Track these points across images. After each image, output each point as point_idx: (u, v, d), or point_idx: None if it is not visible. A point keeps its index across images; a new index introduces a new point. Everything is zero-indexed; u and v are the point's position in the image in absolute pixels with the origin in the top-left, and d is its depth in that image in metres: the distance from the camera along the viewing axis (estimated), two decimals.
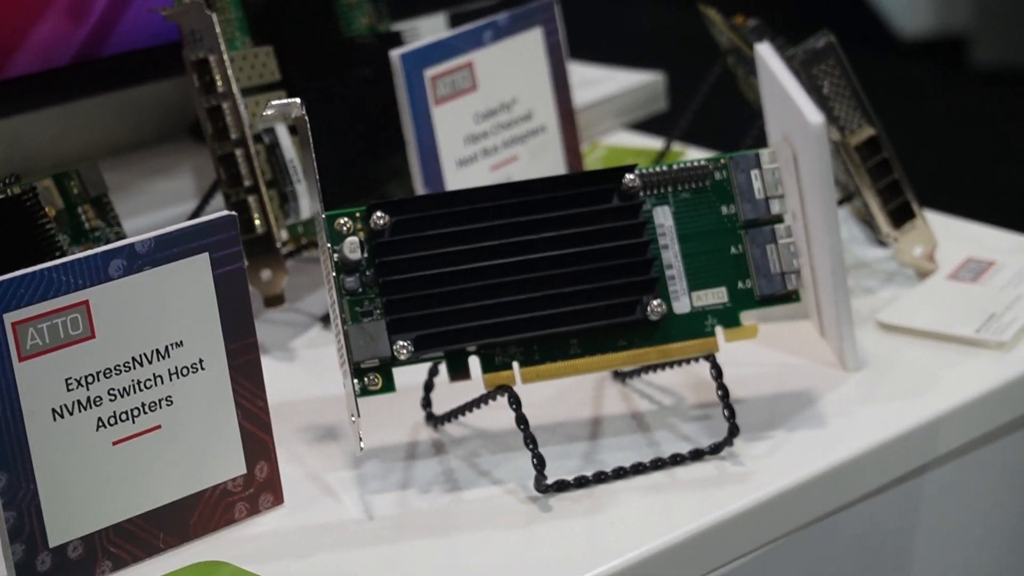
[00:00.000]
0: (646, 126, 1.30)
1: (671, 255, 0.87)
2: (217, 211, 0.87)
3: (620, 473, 0.86)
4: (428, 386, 0.93)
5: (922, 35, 4.22)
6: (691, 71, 1.17)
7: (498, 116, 1.05)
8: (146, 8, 1.11)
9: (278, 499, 0.87)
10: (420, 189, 1.02)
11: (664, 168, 0.88)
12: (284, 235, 1.02)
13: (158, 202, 1.17)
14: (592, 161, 1.18)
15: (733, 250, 0.88)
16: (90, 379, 0.80)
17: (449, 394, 0.92)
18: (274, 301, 1.02)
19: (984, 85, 3.96)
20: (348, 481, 0.89)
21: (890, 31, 4.29)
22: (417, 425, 0.93)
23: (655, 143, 1.24)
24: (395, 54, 1.00)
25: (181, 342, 0.83)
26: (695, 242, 0.88)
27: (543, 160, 1.08)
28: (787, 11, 0.88)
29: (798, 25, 0.97)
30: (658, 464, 0.87)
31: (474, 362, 0.87)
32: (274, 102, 0.92)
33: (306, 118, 0.89)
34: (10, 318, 0.77)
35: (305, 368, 1.01)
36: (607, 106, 1.28)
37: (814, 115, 0.88)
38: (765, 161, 0.87)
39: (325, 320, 1.04)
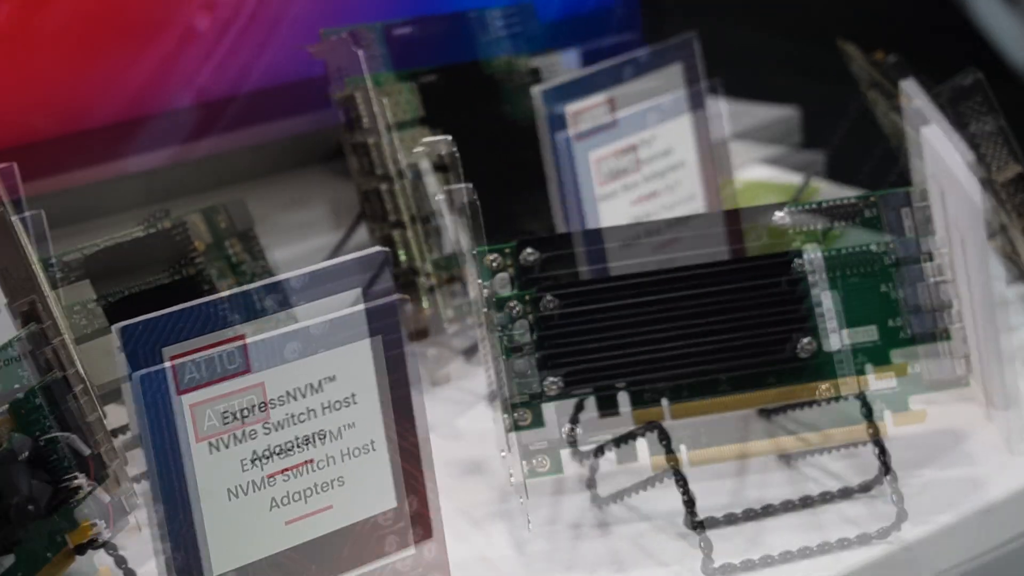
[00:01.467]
0: (781, 161, 1.30)
1: (824, 299, 0.89)
2: (363, 247, 0.89)
3: (766, 513, 0.88)
4: (574, 421, 0.91)
5: None
6: (824, 106, 1.16)
7: (638, 152, 1.05)
8: (290, 45, 1.12)
9: (427, 533, 0.87)
10: (561, 225, 1.02)
11: (814, 205, 0.89)
12: (430, 270, 1.03)
13: (299, 233, 1.18)
14: (727, 196, 1.18)
15: (892, 296, 0.89)
16: (246, 413, 0.81)
17: (595, 431, 0.92)
18: (418, 335, 1.03)
19: None
20: (496, 513, 0.90)
21: (1005, 54, 4.29)
22: (563, 461, 0.91)
23: (791, 178, 1.24)
24: (536, 90, 1.00)
25: (334, 376, 0.84)
26: (852, 293, 0.89)
27: (682, 196, 1.08)
28: (916, 48, 0.87)
29: (921, 59, 0.97)
30: (810, 503, 0.88)
31: (623, 399, 0.88)
32: (425, 139, 0.94)
33: (457, 155, 0.90)
34: (170, 352, 0.78)
35: (449, 402, 1.01)
36: (743, 140, 1.27)
37: (961, 163, 0.88)
38: (919, 202, 0.88)
39: (467, 353, 1.04)
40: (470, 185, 0.91)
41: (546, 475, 0.87)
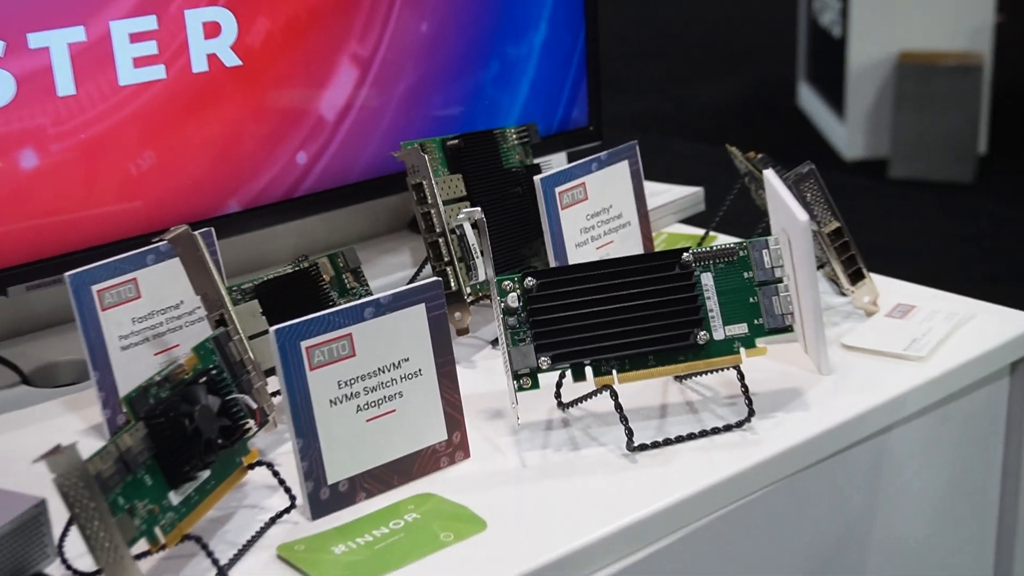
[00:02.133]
0: (692, 220, 1.31)
1: (711, 304, 0.88)
2: (427, 278, 0.90)
3: (678, 440, 0.87)
4: (559, 385, 0.91)
5: (859, 155, 4.17)
6: (720, 186, 1.17)
7: (600, 216, 1.05)
8: (385, 152, 1.12)
9: (466, 454, 0.88)
10: (552, 262, 1.02)
11: (707, 249, 0.89)
12: (468, 291, 1.03)
13: (389, 270, 1.19)
14: (658, 243, 1.18)
15: (751, 299, 0.88)
16: (362, 376, 0.82)
17: (571, 391, 0.93)
18: (462, 332, 1.04)
19: (901, 190, 3.91)
20: (509, 443, 0.90)
21: (836, 152, 4.25)
22: (551, 409, 0.93)
23: (698, 231, 1.24)
24: (537, 179, 1.00)
25: (408, 358, 0.85)
26: (728, 297, 0.89)
27: (628, 244, 1.07)
28: (770, 145, 0.88)
29: (779, 154, 0.98)
30: (708, 433, 0.88)
31: (588, 370, 0.88)
32: (464, 210, 0.95)
33: (483, 219, 0.91)
34: (305, 344, 0.79)
35: (482, 373, 1.01)
36: (667, 208, 1.27)
37: (802, 216, 0.89)
38: (775, 245, 0.88)
39: (494, 343, 1.04)
40: (480, 215, 0.92)
41: (529, 390, 0.87)
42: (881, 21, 4.14)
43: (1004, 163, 4.16)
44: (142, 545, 0.71)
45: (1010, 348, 1.00)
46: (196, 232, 0.86)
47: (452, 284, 1.01)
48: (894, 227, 3.64)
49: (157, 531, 0.72)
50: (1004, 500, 1.06)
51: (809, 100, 4.83)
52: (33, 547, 0.66)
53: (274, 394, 0.88)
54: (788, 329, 0.89)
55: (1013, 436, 1.04)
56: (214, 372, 0.78)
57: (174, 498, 0.73)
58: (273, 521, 0.79)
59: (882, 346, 0.99)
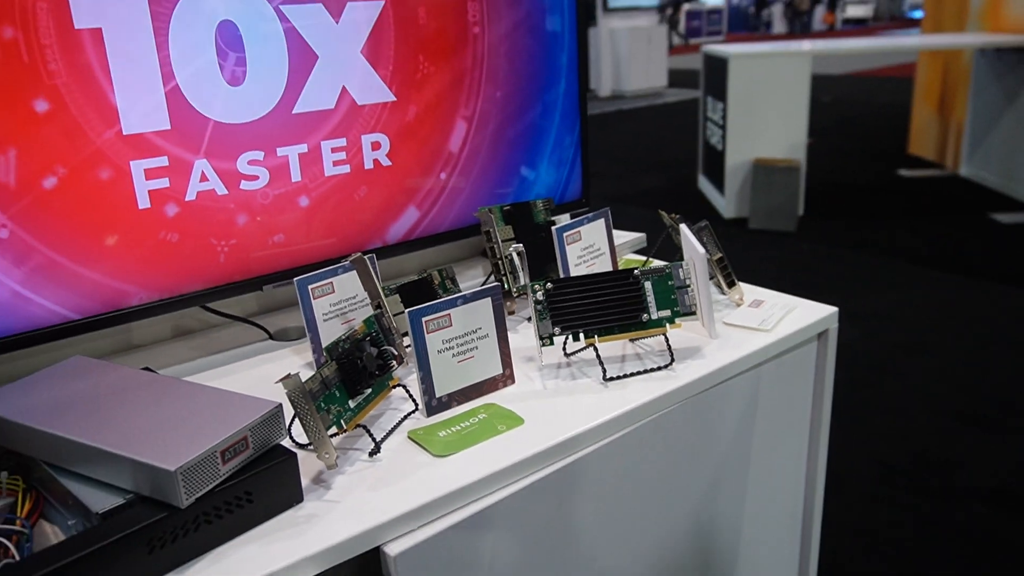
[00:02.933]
0: (639, 252, 1.28)
1: (650, 299, 0.86)
2: (491, 284, 0.87)
3: (632, 375, 0.85)
4: (565, 343, 0.90)
5: (732, 216, 4.11)
6: (657, 232, 1.14)
7: (589, 249, 1.02)
8: (469, 213, 1.10)
9: (513, 381, 0.85)
10: (561, 274, 0.99)
11: (648, 268, 0.87)
12: (514, 291, 1.00)
13: (475, 279, 1.16)
14: (621, 265, 1.15)
15: (672, 296, 0.86)
16: (455, 337, 0.80)
17: (571, 348, 0.91)
18: (511, 313, 1.01)
19: (755, 235, 3.85)
20: (536, 376, 0.87)
21: (719, 215, 4.18)
22: (560, 357, 0.90)
23: (642, 258, 1.21)
24: (553, 228, 0.98)
25: (481, 327, 0.82)
26: (660, 295, 0.86)
27: (604, 265, 1.04)
28: (682, 210, 0.85)
29: (688, 216, 0.96)
30: (648, 371, 0.86)
31: (581, 335, 0.85)
32: (513, 246, 0.93)
33: (524, 251, 0.89)
34: (424, 318, 0.77)
35: (527, 332, 0.97)
36: (625, 245, 1.22)
37: (701, 250, 0.88)
38: (686, 266, 0.87)
39: (529, 320, 1.01)
40: (522, 249, 0.90)
41: (547, 346, 0.84)
42: (743, 142, 4.10)
43: (812, 220, 4.12)
44: (334, 430, 0.71)
45: (817, 325, 0.98)
46: (365, 256, 0.86)
47: (505, 287, 1.00)
48: (752, 256, 3.61)
49: (342, 422, 0.71)
50: (814, 407, 1.04)
51: (705, 185, 4.78)
52: (274, 429, 0.65)
53: (407, 346, 0.87)
54: (692, 313, 0.87)
55: (818, 374, 1.02)
56: (374, 333, 0.77)
57: (351, 404, 0.72)
58: (405, 417, 0.78)
59: (745, 323, 0.96)
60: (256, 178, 0.91)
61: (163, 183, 0.85)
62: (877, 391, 2.38)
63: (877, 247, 3.69)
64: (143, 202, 0.84)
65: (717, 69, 4.27)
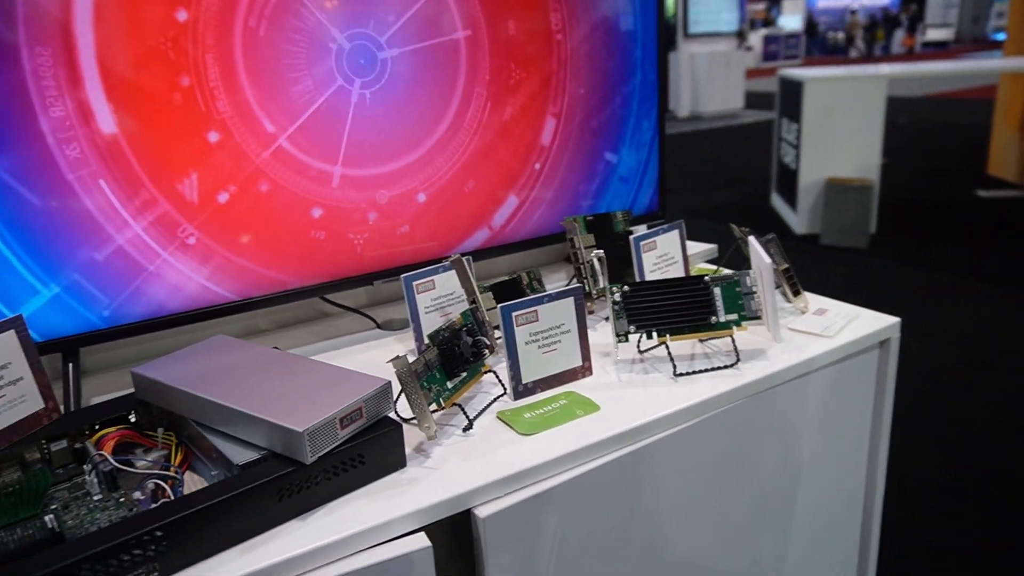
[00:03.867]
0: (710, 262, 1.28)
1: (719, 303, 0.87)
2: (574, 285, 0.89)
3: (700, 372, 0.87)
4: (639, 341, 0.92)
5: (804, 232, 4.00)
6: (728, 244, 1.14)
7: (663, 257, 1.03)
8: (555, 223, 1.13)
9: (591, 373, 0.88)
10: (638, 279, 1.00)
11: (718, 275, 0.89)
12: (594, 293, 1.02)
13: (559, 282, 1.19)
14: (693, 272, 1.16)
15: (739, 301, 0.87)
16: (540, 330, 0.83)
17: (645, 345, 0.93)
18: (591, 312, 1.03)
19: (826, 251, 3.74)
20: (612, 369, 0.89)
21: (791, 230, 4.07)
22: (634, 353, 0.92)
23: (712, 267, 1.21)
24: (631, 237, 1.00)
25: (564, 323, 0.84)
26: (728, 300, 0.87)
27: (676, 273, 1.05)
28: (754, 226, 0.85)
29: (761, 231, 0.97)
30: (715, 368, 0.87)
31: (655, 334, 0.87)
32: (594, 252, 0.96)
33: (604, 256, 0.92)
34: (514, 313, 0.81)
35: (605, 330, 0.99)
36: (700, 255, 1.22)
37: (767, 260, 0.89)
38: (753, 274, 0.88)
39: (607, 319, 1.02)
40: (603, 255, 0.92)
41: (622, 342, 0.87)
42: (817, 161, 3.99)
43: (884, 238, 3.97)
44: (433, 407, 0.75)
45: (879, 334, 0.97)
46: (463, 257, 0.91)
47: (586, 289, 1.02)
48: (822, 271, 3.51)
49: (440, 400, 0.76)
50: (874, 415, 1.02)
51: (777, 202, 4.66)
52: (384, 403, 0.70)
53: (497, 338, 0.91)
54: (758, 318, 0.88)
55: (879, 382, 1.01)
56: (470, 325, 0.82)
57: (449, 384, 0.77)
58: (495, 400, 0.82)
59: (809, 328, 0.96)
60: (382, 180, 0.98)
61: (309, 190, 0.94)
62: (945, 406, 2.28)
63: (950, 266, 3.53)
64: (296, 207, 0.93)
65: (792, 92, 4.17)
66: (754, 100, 9.99)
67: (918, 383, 2.39)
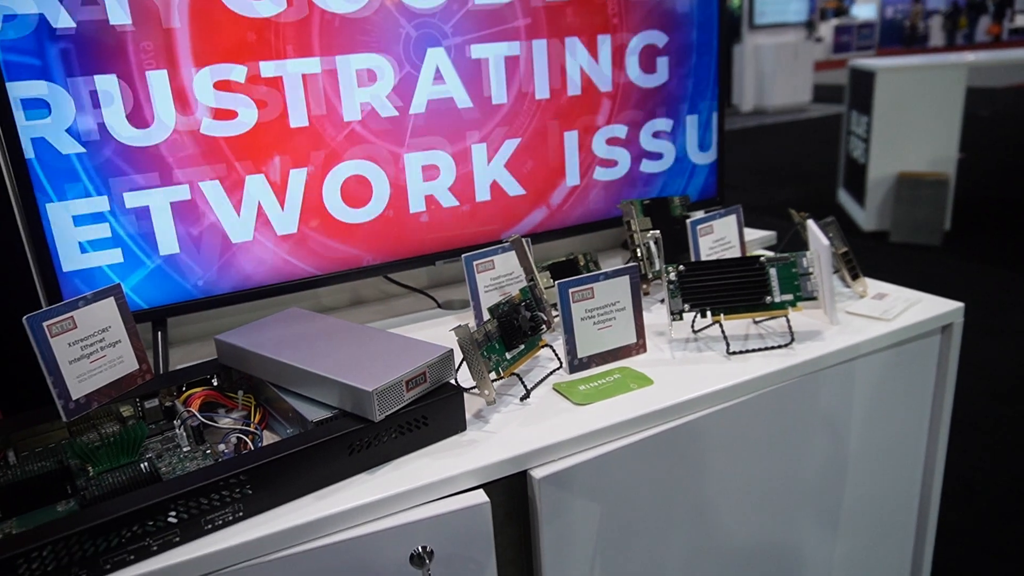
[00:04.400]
0: (770, 248, 1.27)
1: (774, 283, 0.89)
2: (628, 266, 0.91)
3: (753, 351, 0.88)
4: (693, 321, 0.93)
5: (873, 228, 3.89)
6: (784, 230, 1.14)
7: (720, 241, 1.03)
8: (613, 206, 1.16)
9: (645, 350, 0.90)
10: (692, 259, 1.02)
11: (774, 255, 0.90)
12: (650, 275, 1.03)
13: (611, 265, 1.21)
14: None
15: (795, 282, 0.88)
16: (596, 307, 0.86)
17: (699, 324, 0.95)
18: (646, 294, 1.05)
19: (896, 248, 3.63)
20: (666, 347, 0.92)
21: (858, 227, 3.96)
22: (688, 332, 0.94)
23: (770, 253, 1.22)
24: (688, 221, 1.01)
25: (619, 300, 0.87)
26: (783, 280, 0.89)
27: (732, 255, 1.06)
28: (819, 219, 0.86)
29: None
30: (768, 348, 0.89)
31: (709, 313, 0.89)
32: (650, 233, 0.98)
33: (660, 238, 0.95)
34: (569, 289, 0.84)
35: (659, 311, 1.01)
36: (758, 241, 1.22)
37: (825, 242, 0.90)
38: (810, 256, 0.89)
39: (662, 301, 1.04)
40: (659, 235, 0.94)
41: (677, 320, 0.90)
42: (887, 156, 3.88)
43: (960, 235, 3.83)
44: (493, 375, 0.79)
45: (940, 319, 0.97)
46: (522, 238, 0.94)
47: (642, 271, 1.04)
48: (892, 268, 3.42)
49: (500, 369, 0.80)
50: (935, 401, 1.01)
51: (844, 198, 4.54)
52: (446, 369, 0.74)
53: (554, 316, 0.94)
54: (814, 298, 0.88)
55: (940, 369, 1.00)
56: (528, 300, 0.85)
57: (508, 355, 0.81)
58: (551, 373, 0.86)
59: (867, 312, 0.97)
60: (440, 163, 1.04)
61: (379, 172, 1.00)
62: (1021, 408, 2.21)
63: None
64: (370, 186, 1.00)
65: (863, 83, 4.06)
66: (823, 93, 9.71)
67: (993, 384, 2.32)
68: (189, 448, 0.74)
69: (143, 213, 0.88)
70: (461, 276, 1.19)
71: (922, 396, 1.00)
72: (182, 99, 0.87)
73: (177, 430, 0.76)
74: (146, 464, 0.69)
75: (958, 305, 0.98)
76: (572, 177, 1.13)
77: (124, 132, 0.85)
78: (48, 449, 0.74)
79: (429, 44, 0.99)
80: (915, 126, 3.82)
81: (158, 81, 0.85)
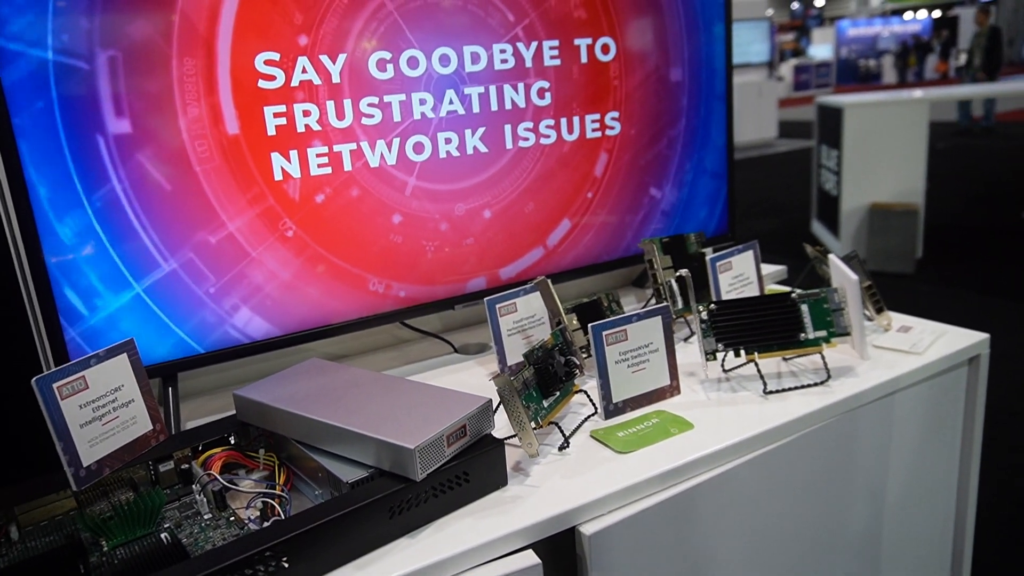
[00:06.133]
0: (782, 283, 1.26)
1: (807, 320, 0.87)
2: (660, 305, 0.89)
3: (790, 389, 0.85)
4: (724, 360, 0.91)
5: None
6: (799, 266, 1.13)
7: (739, 278, 1.02)
8: (632, 246, 1.14)
9: (678, 391, 0.87)
10: (715, 296, 1.00)
11: (804, 292, 0.88)
12: (674, 315, 1.01)
13: (631, 305, 1.18)
14: (768, 291, 1.15)
15: (828, 318, 0.86)
16: (629, 349, 0.83)
17: (732, 363, 0.92)
18: (675, 330, 1.03)
19: (871, 277, 3.66)
20: (699, 388, 0.89)
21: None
22: (719, 372, 0.91)
23: (785, 288, 1.20)
24: (707, 257, 1.00)
25: (652, 342, 0.84)
26: (816, 316, 0.86)
27: (752, 292, 1.04)
28: (799, 251, 0.85)
29: (806, 256, 0.95)
30: (805, 386, 0.86)
31: (742, 352, 0.87)
32: (677, 272, 0.96)
33: (688, 276, 0.92)
34: (603, 332, 0.81)
35: (684, 351, 0.99)
36: (771, 276, 1.22)
37: (854, 277, 0.88)
38: (838, 292, 0.87)
39: (686, 340, 1.02)
40: (687, 274, 0.91)
41: (711, 361, 0.87)
42: (858, 188, 3.95)
43: (931, 263, 3.90)
44: (532, 426, 0.75)
45: (967, 351, 0.95)
46: (546, 278, 0.91)
47: (669, 307, 1.01)
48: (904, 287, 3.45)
49: (538, 418, 0.75)
50: (964, 433, 0.99)
51: (818, 229, 4.60)
52: (485, 421, 0.70)
53: (586, 357, 0.90)
54: (847, 334, 0.86)
55: (969, 399, 0.98)
56: (561, 345, 0.81)
57: (545, 403, 0.77)
58: (586, 419, 0.82)
59: (896, 345, 0.95)
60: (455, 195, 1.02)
61: (390, 196, 0.97)
62: (1008, 430, 2.21)
63: (999, 289, 3.44)
64: (379, 214, 0.96)
65: (831, 118, 4.14)
66: (788, 129, 9.93)
67: None
68: (211, 516, 0.68)
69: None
70: (473, 319, 1.15)
71: (953, 427, 0.98)
72: (215, 112, 0.83)
73: (197, 495, 0.70)
74: (166, 535, 0.63)
75: (984, 336, 0.96)
76: (568, 219, 1.11)
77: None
78: (55, 522, 0.68)
79: (448, 87, 0.97)
80: (883, 159, 3.89)
81: (197, 93, 0.81)
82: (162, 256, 0.83)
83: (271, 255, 0.89)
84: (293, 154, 0.89)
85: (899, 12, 18.53)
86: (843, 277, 0.90)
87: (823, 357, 0.87)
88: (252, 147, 0.86)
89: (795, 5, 21.85)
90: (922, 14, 18.21)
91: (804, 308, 0.86)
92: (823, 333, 0.86)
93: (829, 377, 0.86)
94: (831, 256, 0.96)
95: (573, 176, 1.10)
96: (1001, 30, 6.44)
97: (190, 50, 0.82)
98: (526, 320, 0.96)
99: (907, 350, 0.93)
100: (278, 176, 0.88)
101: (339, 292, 0.94)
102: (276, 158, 0.88)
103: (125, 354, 0.72)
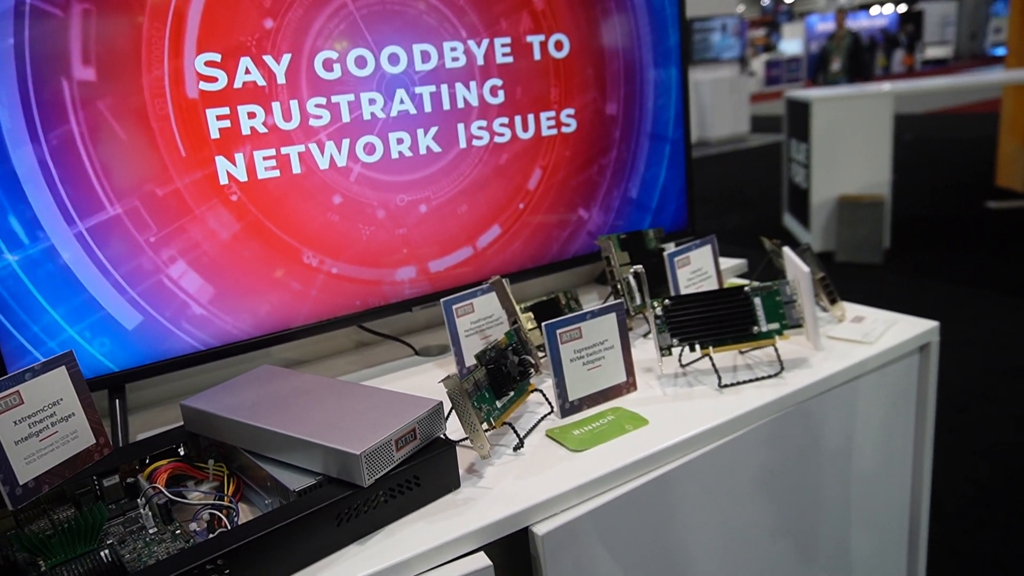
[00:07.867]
0: (742, 276, 1.26)
1: (759, 313, 0.87)
2: (616, 302, 0.88)
3: (744, 382, 0.85)
4: (680, 355, 0.91)
5: (819, 250, 3.97)
6: (756, 259, 1.13)
7: (697, 272, 1.02)
8: (591, 243, 1.13)
9: (635, 388, 0.87)
10: (673, 292, 1.00)
11: (757, 285, 0.88)
12: (632, 311, 1.01)
13: (592, 302, 1.18)
14: (726, 286, 1.15)
15: (780, 311, 0.86)
16: (584, 347, 0.82)
17: (687, 358, 0.92)
18: (630, 329, 1.03)
19: (842, 268, 3.71)
20: (656, 384, 0.88)
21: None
22: (677, 367, 0.91)
23: (744, 281, 1.20)
24: (665, 253, 0.99)
25: (607, 339, 0.83)
26: (768, 309, 0.87)
27: (710, 287, 1.04)
28: (763, 232, 0.85)
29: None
30: (759, 379, 0.86)
31: (697, 346, 0.87)
32: (632, 268, 0.95)
33: (643, 272, 0.91)
34: (557, 330, 0.80)
35: (643, 346, 0.98)
36: (731, 269, 1.22)
37: (806, 269, 0.88)
38: (791, 283, 0.87)
39: (645, 336, 1.02)
40: (642, 269, 0.91)
41: (666, 356, 0.87)
42: (827, 180, 3.98)
43: (899, 253, 3.95)
44: (484, 426, 0.74)
45: (918, 339, 0.96)
46: (502, 279, 0.90)
47: (627, 306, 1.01)
48: (840, 287, 3.48)
49: (491, 419, 0.75)
50: (917, 419, 1.00)
51: (790, 222, 4.65)
52: (436, 424, 0.69)
53: (542, 356, 0.90)
54: (800, 326, 0.87)
55: (920, 388, 0.99)
56: (515, 344, 0.81)
57: (498, 404, 0.76)
58: (542, 419, 0.81)
59: (849, 336, 0.95)
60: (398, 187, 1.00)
61: (334, 179, 0.95)
62: (973, 416, 2.24)
63: (966, 278, 3.49)
64: (321, 192, 0.93)
65: (800, 112, 4.18)
66: (760, 123, 10.03)
67: (944, 395, 2.35)
68: (156, 530, 0.66)
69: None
70: (434, 321, 1.14)
71: (906, 415, 0.99)
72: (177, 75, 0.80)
73: (142, 510, 0.68)
74: (107, 552, 0.61)
75: (933, 324, 0.97)
76: (499, 226, 1.09)
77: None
78: None
79: (398, 86, 0.95)
80: (851, 151, 3.94)
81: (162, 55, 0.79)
82: (108, 200, 0.81)
83: (213, 215, 0.87)
84: (239, 156, 0.87)
85: (866, 7, 18.75)
86: (796, 269, 0.90)
87: (776, 349, 0.87)
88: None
89: (765, 1, 22.05)
90: (888, 8, 18.46)
91: (757, 301, 0.86)
92: (776, 326, 0.86)
93: (783, 369, 0.86)
94: (785, 249, 0.96)
95: (507, 186, 1.09)
96: (860, 35, 6.56)
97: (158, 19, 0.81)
98: (483, 320, 0.95)
99: (859, 340, 0.93)
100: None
101: (275, 260, 0.91)
102: (221, 161, 0.86)
103: (63, 367, 0.70)
